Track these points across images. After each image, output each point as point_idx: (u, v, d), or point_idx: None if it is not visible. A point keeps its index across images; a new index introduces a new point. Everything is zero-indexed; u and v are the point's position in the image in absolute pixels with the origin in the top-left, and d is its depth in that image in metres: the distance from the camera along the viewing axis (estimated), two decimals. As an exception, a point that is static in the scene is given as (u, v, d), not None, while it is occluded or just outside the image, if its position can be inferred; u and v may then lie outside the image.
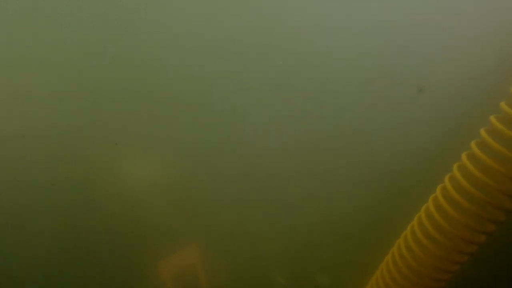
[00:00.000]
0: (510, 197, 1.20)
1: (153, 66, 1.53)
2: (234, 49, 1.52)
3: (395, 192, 1.67)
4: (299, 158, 1.68)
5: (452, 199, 1.28)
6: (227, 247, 1.86)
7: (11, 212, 1.67)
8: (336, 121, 1.62)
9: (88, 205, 1.69)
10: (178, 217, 1.77)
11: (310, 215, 1.75)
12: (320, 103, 1.60)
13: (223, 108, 1.61)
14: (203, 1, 1.45)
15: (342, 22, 1.49)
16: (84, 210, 1.70)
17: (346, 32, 1.50)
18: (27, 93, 1.51)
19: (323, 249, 1.78)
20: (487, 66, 1.46)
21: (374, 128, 1.62)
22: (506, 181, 1.18)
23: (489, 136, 1.21)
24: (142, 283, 1.85)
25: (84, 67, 1.50)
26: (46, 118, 1.55)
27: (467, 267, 1.36)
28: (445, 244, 1.30)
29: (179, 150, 1.68)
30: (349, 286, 1.75)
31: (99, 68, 1.51)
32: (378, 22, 1.48)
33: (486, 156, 1.21)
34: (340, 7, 1.47)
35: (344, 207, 1.74)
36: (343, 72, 1.55)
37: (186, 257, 1.83)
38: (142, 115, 1.59)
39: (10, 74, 1.49)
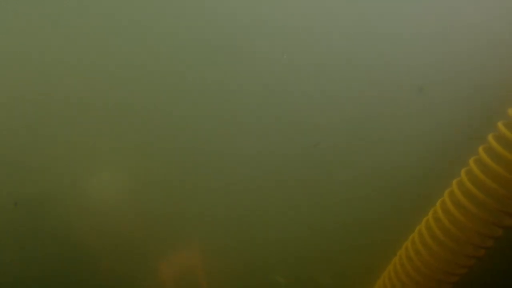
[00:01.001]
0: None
1: (126, 74, 1.51)
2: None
3: (398, 194, 1.68)
4: (298, 159, 1.68)
5: (460, 204, 1.29)
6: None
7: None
8: (335, 120, 1.61)
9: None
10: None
11: (311, 220, 1.76)
12: (317, 104, 1.59)
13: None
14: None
15: (342, 22, 1.48)
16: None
17: (346, 32, 1.49)
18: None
19: (330, 254, 1.79)
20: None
21: (374, 128, 1.62)
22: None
23: (497, 142, 1.22)
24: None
25: (41, 81, 1.48)
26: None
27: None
28: (453, 247, 1.31)
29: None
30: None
31: (59, 83, 1.49)
32: (378, 22, 1.47)
33: (494, 162, 1.21)
34: (339, 6, 1.46)
35: (346, 210, 1.74)
36: (343, 72, 1.54)
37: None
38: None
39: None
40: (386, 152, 1.65)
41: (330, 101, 1.58)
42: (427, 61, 1.51)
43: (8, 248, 1.70)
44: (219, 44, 1.50)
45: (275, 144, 1.65)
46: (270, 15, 1.47)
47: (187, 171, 1.69)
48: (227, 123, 1.62)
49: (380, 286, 1.58)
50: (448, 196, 1.34)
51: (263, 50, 1.51)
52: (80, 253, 1.74)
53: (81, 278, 1.78)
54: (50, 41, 1.47)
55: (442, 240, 1.33)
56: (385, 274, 1.58)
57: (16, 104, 1.52)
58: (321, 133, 1.63)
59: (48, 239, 1.70)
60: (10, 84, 1.50)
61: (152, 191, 1.70)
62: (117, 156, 1.66)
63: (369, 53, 1.50)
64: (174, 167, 1.68)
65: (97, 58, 1.50)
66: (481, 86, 1.50)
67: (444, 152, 1.59)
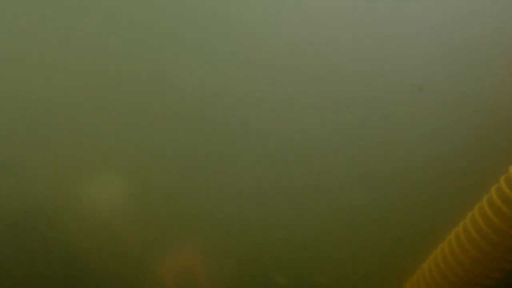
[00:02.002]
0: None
1: (126, 75, 1.52)
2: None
3: (398, 194, 1.67)
4: (299, 160, 1.68)
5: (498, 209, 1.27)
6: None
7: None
8: (335, 121, 1.61)
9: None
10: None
11: (311, 221, 1.76)
12: (318, 103, 1.59)
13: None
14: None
15: (342, 23, 1.48)
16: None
17: (346, 32, 1.49)
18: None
19: (330, 255, 1.79)
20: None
21: (374, 128, 1.62)
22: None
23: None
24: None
25: (41, 81, 1.48)
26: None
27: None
28: (489, 251, 1.31)
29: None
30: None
31: (59, 83, 1.49)
32: (378, 22, 1.47)
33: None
34: (339, 6, 1.46)
35: (346, 210, 1.74)
36: (343, 72, 1.54)
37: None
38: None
39: None
40: (386, 152, 1.65)
41: (330, 101, 1.58)
42: (427, 61, 1.51)
43: (6, 250, 1.70)
44: (219, 44, 1.50)
45: (276, 144, 1.65)
46: (264, 15, 1.47)
47: (187, 171, 1.69)
48: (227, 123, 1.62)
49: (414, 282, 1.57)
50: (486, 202, 1.32)
51: (263, 50, 1.51)
52: (79, 254, 1.74)
53: (81, 279, 1.78)
54: (50, 41, 1.47)
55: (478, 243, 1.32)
56: (420, 272, 1.57)
57: (16, 104, 1.52)
58: (321, 133, 1.63)
59: (48, 239, 1.70)
60: (10, 84, 1.50)
61: (152, 192, 1.70)
62: (117, 156, 1.66)
63: (369, 53, 1.50)
64: (174, 167, 1.68)
65: (97, 58, 1.51)
66: (481, 86, 1.50)
67: (444, 152, 1.59)
